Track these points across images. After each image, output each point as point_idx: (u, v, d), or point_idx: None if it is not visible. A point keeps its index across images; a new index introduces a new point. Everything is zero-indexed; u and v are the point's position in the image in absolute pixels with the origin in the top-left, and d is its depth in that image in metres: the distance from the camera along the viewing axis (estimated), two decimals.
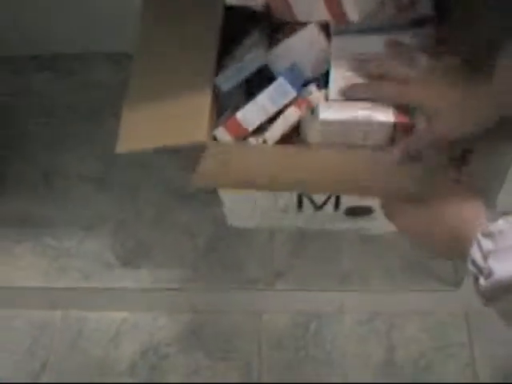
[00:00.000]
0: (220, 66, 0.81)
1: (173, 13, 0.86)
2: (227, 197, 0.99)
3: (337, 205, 0.96)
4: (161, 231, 1.28)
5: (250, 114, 0.79)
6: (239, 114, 0.79)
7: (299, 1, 0.78)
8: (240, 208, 1.01)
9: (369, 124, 0.71)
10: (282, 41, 0.81)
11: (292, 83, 0.79)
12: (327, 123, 0.73)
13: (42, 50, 1.42)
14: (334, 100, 0.75)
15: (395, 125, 0.70)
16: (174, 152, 1.20)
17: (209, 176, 0.80)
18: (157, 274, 1.24)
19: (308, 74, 0.81)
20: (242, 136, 0.80)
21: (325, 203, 0.96)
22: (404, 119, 0.70)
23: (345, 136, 0.74)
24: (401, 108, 0.70)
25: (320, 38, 0.80)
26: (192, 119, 0.76)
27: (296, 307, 1.23)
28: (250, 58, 0.80)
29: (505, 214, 0.58)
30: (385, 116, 0.71)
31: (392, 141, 0.72)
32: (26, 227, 1.31)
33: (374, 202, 0.93)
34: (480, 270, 0.56)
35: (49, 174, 1.36)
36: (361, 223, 1.00)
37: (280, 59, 0.81)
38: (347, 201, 0.96)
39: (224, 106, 0.82)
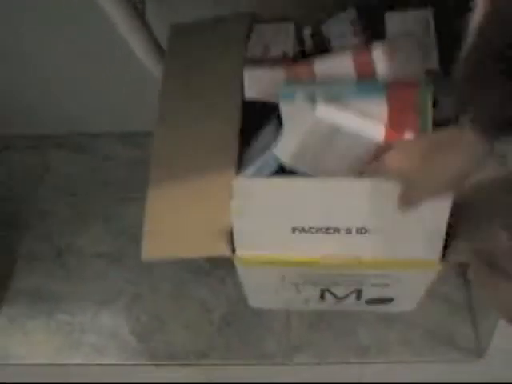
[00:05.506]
0: (239, 160, 0.80)
1: (193, 97, 0.85)
2: (250, 286, 0.97)
3: (358, 297, 0.94)
4: (176, 306, 1.26)
5: None
6: None
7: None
8: (262, 295, 1.00)
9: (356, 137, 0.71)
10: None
11: None
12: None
13: (61, 129, 1.43)
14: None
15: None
16: None
17: None
18: (172, 350, 1.22)
19: None
20: None
21: (347, 296, 0.94)
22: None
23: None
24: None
25: None
26: (216, 232, 0.75)
27: (314, 381, 1.20)
28: (268, 158, 0.79)
29: None
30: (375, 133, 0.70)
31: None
32: (38, 303, 1.29)
33: (395, 293, 0.92)
34: None
35: (63, 250, 1.35)
36: (381, 308, 0.98)
37: None
38: (369, 293, 0.94)
39: None
